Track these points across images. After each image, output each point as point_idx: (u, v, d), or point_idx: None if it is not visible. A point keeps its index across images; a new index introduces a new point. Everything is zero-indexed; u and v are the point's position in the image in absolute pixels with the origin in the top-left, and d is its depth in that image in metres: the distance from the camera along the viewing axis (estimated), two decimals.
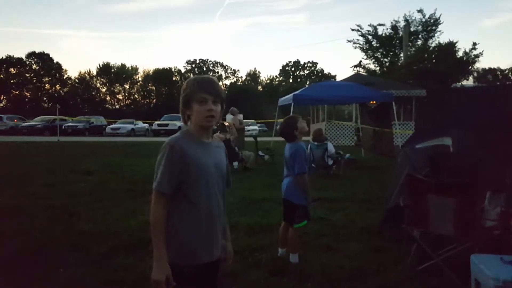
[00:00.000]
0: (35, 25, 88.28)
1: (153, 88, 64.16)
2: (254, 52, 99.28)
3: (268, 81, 68.79)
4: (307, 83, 62.28)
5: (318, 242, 4.03)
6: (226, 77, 69.51)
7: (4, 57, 58.95)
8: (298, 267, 3.36)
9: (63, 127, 25.08)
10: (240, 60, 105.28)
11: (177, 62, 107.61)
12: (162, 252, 1.53)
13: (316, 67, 68.54)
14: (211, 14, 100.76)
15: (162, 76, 63.23)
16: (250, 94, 56.03)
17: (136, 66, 64.92)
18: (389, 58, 26.35)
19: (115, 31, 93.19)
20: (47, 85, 61.32)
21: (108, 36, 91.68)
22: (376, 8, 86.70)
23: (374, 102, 11.92)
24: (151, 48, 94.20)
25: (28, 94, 60.26)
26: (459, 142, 3.99)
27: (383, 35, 25.73)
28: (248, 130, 21.80)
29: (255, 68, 70.35)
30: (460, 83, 22.69)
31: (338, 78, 55.91)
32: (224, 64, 68.77)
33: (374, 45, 26.18)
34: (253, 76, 69.09)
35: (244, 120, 13.02)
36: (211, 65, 68.23)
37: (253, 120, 32.40)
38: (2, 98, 59.73)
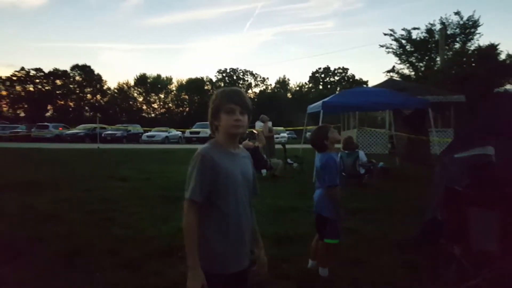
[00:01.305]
0: (78, 40, 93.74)
1: (186, 97, 65.85)
2: (283, 60, 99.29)
3: (297, 88, 68.42)
4: (338, 89, 61.45)
5: (349, 255, 3.88)
6: (256, 85, 69.92)
7: (51, 70, 63.03)
8: (328, 281, 3.25)
9: (102, 134, 26.23)
10: (269, 68, 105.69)
11: (209, 71, 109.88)
12: (196, 260, 1.55)
13: (346, 73, 67.45)
14: (241, 25, 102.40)
15: (194, 85, 64.79)
16: (279, 102, 56.02)
17: (170, 76, 67.06)
18: (424, 62, 25.48)
19: (150, 44, 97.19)
20: (88, 95, 64.70)
21: (145, 48, 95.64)
22: (408, 12, 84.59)
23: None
24: (185, 58, 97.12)
25: (71, 104, 63.82)
26: (502, 151, 3.74)
27: (418, 39, 24.95)
28: (277, 138, 21.74)
29: (284, 75, 70.19)
30: (503, 88, 21.48)
31: (370, 84, 54.84)
32: (254, 73, 69.28)
33: (408, 49, 25.44)
34: (282, 83, 69.02)
35: (273, 128, 12.99)
36: (241, 73, 68.93)
37: (282, 128, 32.32)
38: (48, 108, 63.59)
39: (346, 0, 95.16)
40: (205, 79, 67.09)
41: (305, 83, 68.77)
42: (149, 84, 65.38)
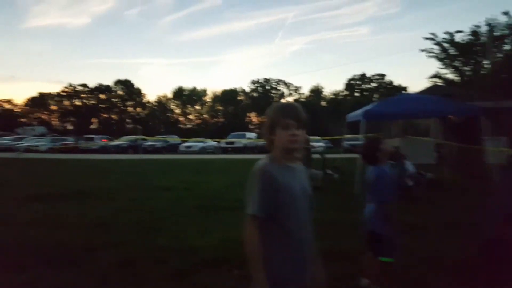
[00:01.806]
0: (120, 56, 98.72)
1: (220, 108, 67.07)
2: (316, 68, 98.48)
3: (332, 96, 67.41)
4: (375, 96, 59.85)
5: (405, 274, 3.65)
6: (289, 95, 69.76)
7: (96, 85, 66.89)
8: None
9: (143, 145, 27.25)
10: (302, 77, 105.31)
11: (242, 82, 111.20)
12: (262, 275, 1.53)
13: (384, 79, 65.59)
14: (273, 35, 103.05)
15: (228, 96, 65.90)
16: (313, 110, 55.45)
17: (205, 88, 68.84)
18: (470, 66, 24.23)
19: (186, 57, 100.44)
20: (130, 108, 67.80)
21: (181, 62, 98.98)
22: (448, 14, 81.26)
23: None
24: (219, 70, 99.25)
25: (114, 116, 67.17)
26: None
27: (462, 42, 23.81)
28: (314, 147, 21.42)
29: (317, 83, 69.53)
30: None
31: (410, 90, 52.92)
32: (287, 82, 69.21)
33: (452, 53, 24.32)
34: (316, 92, 68.36)
35: (309, 137, 12.74)
36: (274, 83, 69.09)
37: (318, 137, 31.86)
38: (93, 120, 67.33)
39: (381, 5, 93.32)
40: (238, 90, 68.04)
41: (341, 90, 67.71)
42: (186, 97, 67.37)
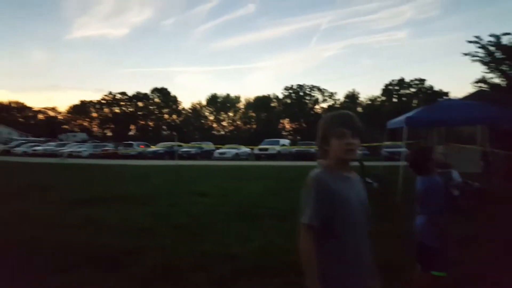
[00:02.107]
0: (157, 64, 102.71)
1: (253, 114, 67.50)
2: (352, 74, 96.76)
3: (369, 102, 65.79)
4: (414, 102, 57.82)
5: None
6: (323, 100, 68.89)
7: (134, 93, 69.80)
8: None
9: (179, 152, 27.89)
10: (337, 83, 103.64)
11: (275, 88, 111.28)
12: (317, 286, 1.51)
13: (423, 84, 63.20)
14: (307, 40, 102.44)
15: (261, 103, 66.20)
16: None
17: (238, 95, 69.67)
18: None
19: (220, 65, 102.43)
20: (166, 115, 70.01)
21: (215, 70, 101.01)
22: (493, 16, 77.26)
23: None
24: (252, 77, 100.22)
25: (151, 123, 69.57)
26: None
27: (509, 44, 22.50)
28: None
29: (353, 89, 68.08)
30: None
31: (452, 95, 50.62)
32: (321, 88, 68.42)
33: (498, 56, 23.04)
34: (352, 97, 67.02)
35: None
36: (308, 89, 68.56)
37: None
38: (131, 127, 70.11)
39: (420, 9, 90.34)
40: (271, 96, 68.19)
41: (378, 96, 65.99)
42: (219, 103, 68.47)
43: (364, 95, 72.30)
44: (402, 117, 9.64)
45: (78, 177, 13.96)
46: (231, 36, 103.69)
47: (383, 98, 64.89)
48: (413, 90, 63.58)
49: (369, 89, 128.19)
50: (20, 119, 79.78)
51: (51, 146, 35.47)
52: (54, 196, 8.67)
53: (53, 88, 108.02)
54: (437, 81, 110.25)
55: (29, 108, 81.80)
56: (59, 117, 79.74)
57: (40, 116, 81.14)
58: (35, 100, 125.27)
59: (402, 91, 64.33)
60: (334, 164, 1.62)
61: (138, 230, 5.55)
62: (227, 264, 4.06)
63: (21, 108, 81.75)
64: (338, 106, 64.49)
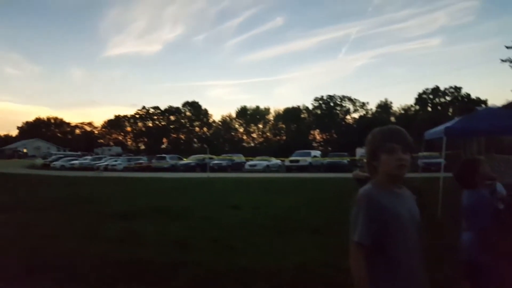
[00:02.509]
0: (188, 79, 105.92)
1: (283, 126, 67.39)
2: (384, 83, 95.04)
3: (403, 111, 63.97)
4: (450, 110, 55.64)
5: None
6: (355, 111, 67.76)
7: (166, 107, 71.93)
8: None
9: (210, 164, 28.21)
10: (369, 92, 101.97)
11: (305, 99, 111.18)
12: None
13: (460, 92, 60.79)
14: (336, 51, 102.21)
15: (291, 114, 66.07)
16: (381, 126, 52.93)
17: (268, 106, 69.92)
18: None
19: (250, 77, 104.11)
20: (197, 128, 71.46)
21: (245, 82, 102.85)
22: None
23: None
24: (281, 88, 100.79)
25: (182, 136, 71.20)
26: None
27: None
28: None
29: (386, 98, 66.40)
30: None
31: (490, 103, 48.22)
32: (352, 98, 67.37)
33: None
34: (384, 107, 65.50)
35: None
36: (339, 99, 67.75)
37: None
38: (164, 140, 72.06)
39: (452, 15, 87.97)
40: (301, 107, 67.92)
41: (411, 105, 64.13)
42: (249, 115, 69.01)
43: (397, 105, 70.43)
44: (440, 127, 9.26)
45: (115, 190, 14.39)
46: (260, 49, 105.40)
47: (417, 107, 62.93)
48: (448, 98, 61.35)
49: (402, 98, 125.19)
50: (58, 134, 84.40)
51: (87, 160, 36.95)
52: (93, 209, 8.93)
53: (90, 103, 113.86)
54: (474, 89, 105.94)
55: (67, 124, 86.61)
56: (95, 131, 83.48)
57: (77, 131, 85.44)
58: (73, 115, 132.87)
59: (436, 100, 62.21)
60: (385, 180, 1.58)
61: (175, 243, 5.58)
62: (267, 281, 3.97)
63: (60, 124, 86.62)
64: (370, 116, 63.14)
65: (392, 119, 62.28)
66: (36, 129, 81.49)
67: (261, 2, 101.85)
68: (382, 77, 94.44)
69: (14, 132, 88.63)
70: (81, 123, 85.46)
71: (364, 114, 65.98)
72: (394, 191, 1.59)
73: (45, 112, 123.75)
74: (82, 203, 10.09)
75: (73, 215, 8.13)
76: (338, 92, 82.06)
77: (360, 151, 39.16)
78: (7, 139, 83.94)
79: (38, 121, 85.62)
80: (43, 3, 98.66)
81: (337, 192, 12.64)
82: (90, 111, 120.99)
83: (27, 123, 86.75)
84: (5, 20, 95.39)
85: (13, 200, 10.66)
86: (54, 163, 36.36)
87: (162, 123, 73.19)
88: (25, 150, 66.54)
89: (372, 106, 67.77)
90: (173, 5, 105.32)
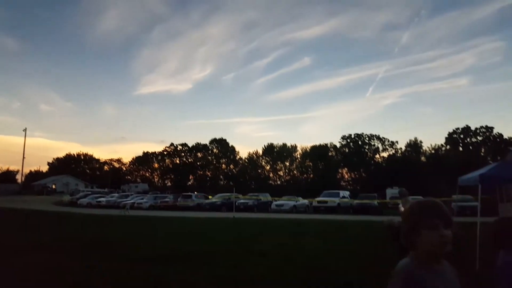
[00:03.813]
0: (216, 116, 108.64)
1: (310, 164, 66.69)
2: (413, 122, 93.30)
3: (433, 151, 61.94)
4: (482, 150, 53.45)
5: None
6: (383, 150, 66.33)
7: (194, 144, 73.28)
8: None
9: (236, 203, 27.93)
10: (398, 131, 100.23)
11: (333, 137, 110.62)
12: None
13: (491, 132, 58.54)
14: (363, 90, 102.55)
15: (318, 152, 65.53)
16: (411, 166, 51.45)
17: (295, 144, 69.81)
18: None
19: (277, 115, 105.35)
20: (223, 165, 71.90)
21: (272, 120, 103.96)
22: None
23: None
24: (308, 126, 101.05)
25: (209, 173, 71.66)
26: None
27: None
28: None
29: (415, 138, 64.71)
30: None
31: None
32: (381, 137, 66.24)
33: None
34: (414, 146, 63.71)
35: (410, 197, 11.40)
36: (367, 138, 66.78)
37: (420, 196, 28.91)
38: (190, 177, 72.73)
39: (481, 55, 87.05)
40: (329, 145, 67.33)
41: (441, 144, 62.11)
42: (276, 153, 68.98)
43: (427, 144, 68.49)
44: (475, 174, 9.01)
45: (140, 231, 14.36)
46: (287, 87, 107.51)
47: (448, 147, 60.91)
48: (480, 138, 59.15)
49: (432, 138, 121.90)
50: (87, 170, 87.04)
51: (114, 197, 37.48)
52: (116, 253, 8.78)
53: (120, 140, 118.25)
54: (506, 128, 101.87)
55: (96, 160, 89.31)
56: (123, 168, 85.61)
57: (106, 167, 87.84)
58: (102, 151, 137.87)
59: (468, 140, 60.12)
60: (425, 257, 1.50)
61: None
62: None
63: (89, 160, 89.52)
64: (399, 155, 61.51)
65: (423, 158, 60.34)
66: (66, 165, 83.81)
67: (289, 43, 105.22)
68: (411, 116, 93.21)
69: (44, 168, 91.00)
70: (110, 160, 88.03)
71: (393, 153, 64.44)
72: (435, 268, 1.49)
73: (75, 148, 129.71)
74: (105, 245, 9.98)
75: (95, 259, 7.95)
76: (365, 130, 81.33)
77: (390, 192, 37.79)
78: (37, 174, 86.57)
79: (68, 157, 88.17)
80: (79, 42, 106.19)
81: (367, 238, 12.06)
82: (119, 147, 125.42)
83: (57, 159, 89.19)
84: (43, 59, 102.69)
85: (36, 240, 10.63)
86: (81, 200, 37.00)
87: (189, 160, 74.31)
88: (54, 186, 68.32)
89: (401, 145, 66.30)
90: (204, 46, 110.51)
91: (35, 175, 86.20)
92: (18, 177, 78.15)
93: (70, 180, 72.71)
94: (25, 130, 65.07)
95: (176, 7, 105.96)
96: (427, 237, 1.47)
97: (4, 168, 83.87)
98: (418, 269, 1.46)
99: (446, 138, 61.41)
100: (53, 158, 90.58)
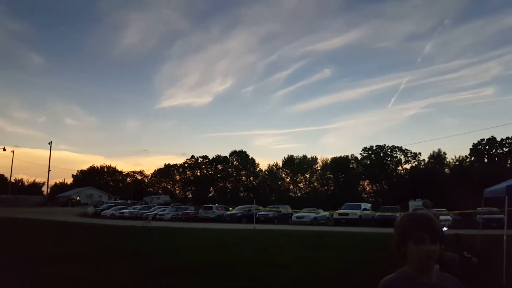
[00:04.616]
0: (237, 129, 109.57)
1: (331, 176, 65.94)
2: (436, 133, 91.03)
3: (457, 163, 60.09)
4: (508, 162, 51.45)
5: None
6: (406, 161, 64.85)
7: (214, 157, 74.02)
8: None
9: (257, 215, 27.93)
10: (420, 143, 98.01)
11: (354, 149, 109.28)
12: None
13: None
14: (385, 101, 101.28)
15: (339, 164, 64.76)
16: (435, 178, 50.03)
17: (315, 156, 69.33)
18: None
19: (297, 127, 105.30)
20: (243, 177, 72.16)
21: (292, 132, 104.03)
22: None
23: None
24: (329, 138, 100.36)
25: (229, 185, 72.04)
26: None
27: None
28: (440, 221, 18.81)
29: (439, 149, 63.01)
30: None
31: None
32: (403, 148, 64.89)
33: None
34: (438, 157, 62.00)
35: (434, 210, 11.14)
36: (389, 150, 65.56)
37: (444, 209, 28.22)
38: (211, 189, 73.29)
39: (507, 64, 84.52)
40: (350, 157, 66.49)
41: (466, 156, 60.25)
42: (296, 165, 68.66)
43: (451, 156, 66.62)
44: (501, 186, 8.75)
45: (162, 242, 14.57)
46: (307, 99, 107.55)
47: (472, 158, 59.00)
48: (506, 149, 57.03)
49: (456, 149, 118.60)
50: (110, 182, 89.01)
51: (136, 209, 38.11)
52: (139, 263, 8.93)
53: (142, 153, 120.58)
54: None
55: (119, 172, 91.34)
56: (145, 180, 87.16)
57: (128, 179, 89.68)
58: (125, 164, 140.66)
59: (493, 151, 58.07)
60: (413, 269, 1.50)
61: None
62: None
63: (112, 172, 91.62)
64: (422, 167, 59.98)
65: (446, 170, 58.61)
66: (90, 177, 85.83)
67: (309, 55, 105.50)
68: (434, 127, 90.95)
69: (69, 180, 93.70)
70: (133, 172, 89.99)
71: (416, 165, 62.92)
72: (423, 282, 1.48)
73: (99, 161, 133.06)
74: (128, 255, 10.19)
75: (119, 269, 8.14)
76: (387, 142, 79.92)
77: (413, 204, 36.84)
78: (62, 186, 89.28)
79: (92, 169, 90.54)
80: (102, 58, 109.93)
81: (389, 252, 11.81)
82: (142, 160, 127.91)
83: (82, 171, 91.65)
84: (67, 74, 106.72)
85: (61, 251, 10.91)
86: (105, 211, 37.81)
87: (210, 172, 74.95)
88: (78, 198, 70.17)
89: (424, 156, 64.70)
90: (224, 59, 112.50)
91: (60, 187, 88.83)
92: (44, 189, 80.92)
93: (94, 192, 74.43)
94: (50, 143, 67.49)
95: (196, 21, 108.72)
96: (413, 250, 1.48)
97: (31, 180, 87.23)
98: (402, 282, 1.48)
99: (470, 149, 59.60)
100: (77, 171, 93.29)
